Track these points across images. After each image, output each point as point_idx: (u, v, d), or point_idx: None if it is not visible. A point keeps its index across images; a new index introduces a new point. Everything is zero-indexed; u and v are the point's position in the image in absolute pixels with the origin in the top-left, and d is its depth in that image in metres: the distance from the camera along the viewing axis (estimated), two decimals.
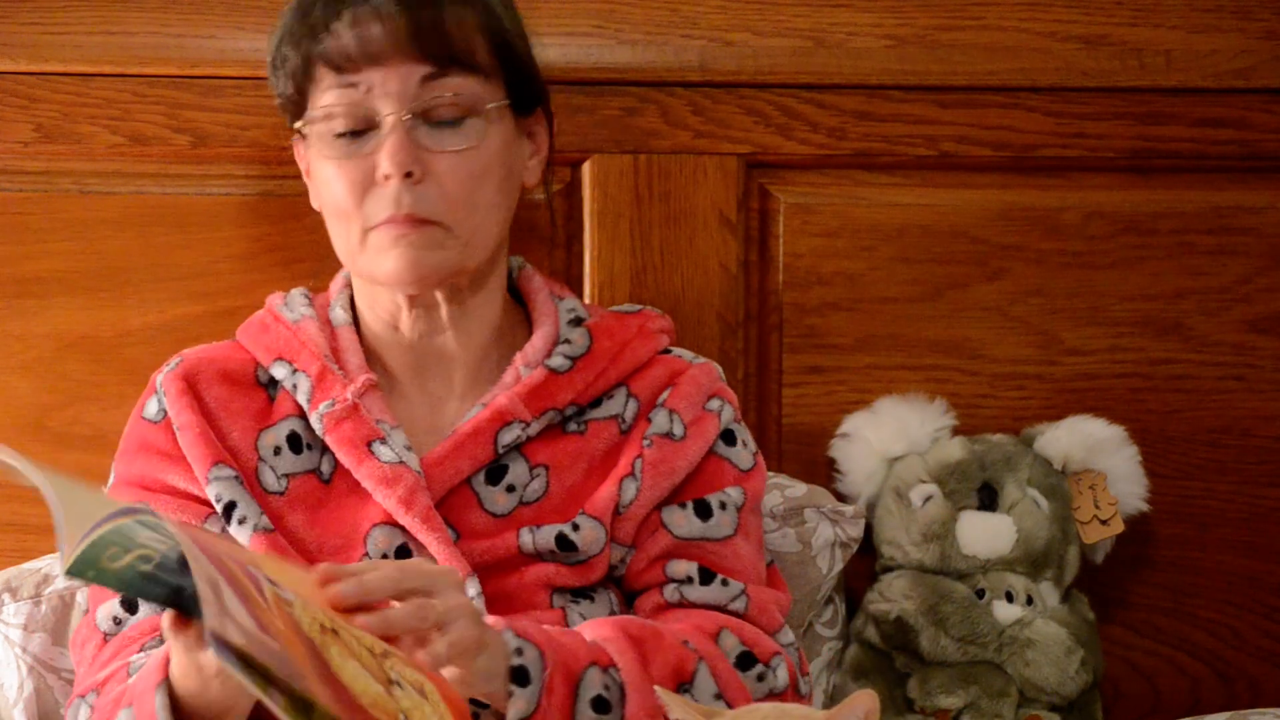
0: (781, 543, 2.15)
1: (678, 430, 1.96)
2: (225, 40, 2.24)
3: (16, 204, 2.25)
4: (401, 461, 1.91)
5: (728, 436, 2.00)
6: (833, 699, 2.18)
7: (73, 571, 1.46)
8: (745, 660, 1.87)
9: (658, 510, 1.95)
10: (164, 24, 2.25)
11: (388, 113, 1.89)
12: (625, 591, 1.97)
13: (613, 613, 1.93)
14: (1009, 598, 2.18)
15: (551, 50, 2.14)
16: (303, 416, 1.96)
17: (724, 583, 1.93)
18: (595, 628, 1.83)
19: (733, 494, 1.97)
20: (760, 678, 1.87)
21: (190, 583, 1.46)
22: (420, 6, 1.89)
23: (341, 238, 1.95)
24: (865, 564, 2.25)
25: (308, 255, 2.09)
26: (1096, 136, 2.30)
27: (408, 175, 1.89)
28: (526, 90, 1.98)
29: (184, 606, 1.48)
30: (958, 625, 2.15)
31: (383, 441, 1.92)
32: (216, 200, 2.26)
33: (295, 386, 1.96)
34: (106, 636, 1.90)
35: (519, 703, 1.72)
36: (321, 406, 1.94)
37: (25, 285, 2.25)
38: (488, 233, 1.94)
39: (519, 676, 1.72)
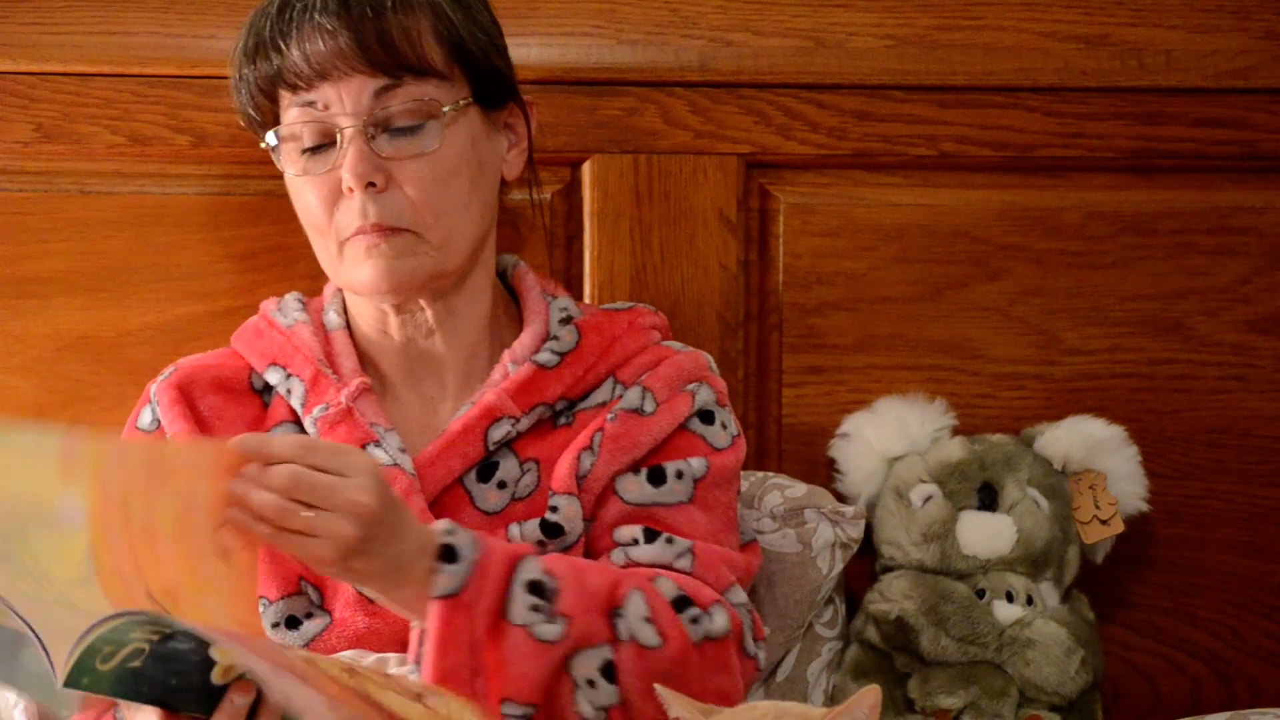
0: (781, 543, 2.15)
1: (648, 407, 1.96)
2: (225, 40, 2.24)
3: (16, 204, 2.25)
4: (396, 464, 1.91)
5: (705, 416, 1.98)
6: (833, 699, 2.18)
7: (69, 683, 1.46)
8: (680, 603, 1.82)
9: (613, 480, 1.94)
10: (164, 24, 2.25)
11: (345, 126, 1.89)
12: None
13: None
14: (1009, 598, 2.18)
15: (551, 50, 2.14)
16: (297, 421, 1.96)
17: (668, 540, 1.90)
18: (526, 548, 1.81)
19: (694, 464, 1.95)
20: (695, 620, 1.81)
21: (180, 678, 1.46)
22: (364, 19, 1.88)
23: (321, 251, 1.96)
24: (865, 564, 2.25)
25: (307, 255, 2.08)
26: (1096, 136, 2.30)
27: (370, 185, 1.89)
28: (493, 85, 1.96)
29: (173, 705, 1.49)
30: (958, 625, 2.15)
31: (377, 444, 1.92)
32: (216, 200, 2.26)
33: (289, 391, 1.96)
34: None
35: (444, 579, 1.69)
36: (316, 410, 1.94)
37: (25, 285, 2.25)
38: (463, 232, 1.94)
39: (447, 554, 1.70)
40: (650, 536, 1.90)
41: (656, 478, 1.94)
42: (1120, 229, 2.31)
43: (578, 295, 2.20)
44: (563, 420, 1.97)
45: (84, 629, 1.46)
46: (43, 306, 2.25)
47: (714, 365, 2.05)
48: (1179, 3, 2.30)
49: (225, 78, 2.21)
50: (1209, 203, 2.32)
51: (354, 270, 1.92)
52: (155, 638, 1.48)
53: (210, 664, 1.51)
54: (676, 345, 2.04)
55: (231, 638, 1.47)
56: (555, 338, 1.99)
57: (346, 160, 1.89)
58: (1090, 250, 2.31)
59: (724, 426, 1.99)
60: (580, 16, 2.27)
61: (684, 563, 1.89)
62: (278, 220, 2.23)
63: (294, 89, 1.90)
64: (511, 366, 1.96)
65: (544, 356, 1.97)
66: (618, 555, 1.90)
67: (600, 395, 1.98)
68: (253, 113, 1.95)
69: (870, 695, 1.54)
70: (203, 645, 1.50)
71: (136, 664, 1.48)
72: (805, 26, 2.28)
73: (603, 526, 1.93)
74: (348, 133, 1.89)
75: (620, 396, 1.98)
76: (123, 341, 2.25)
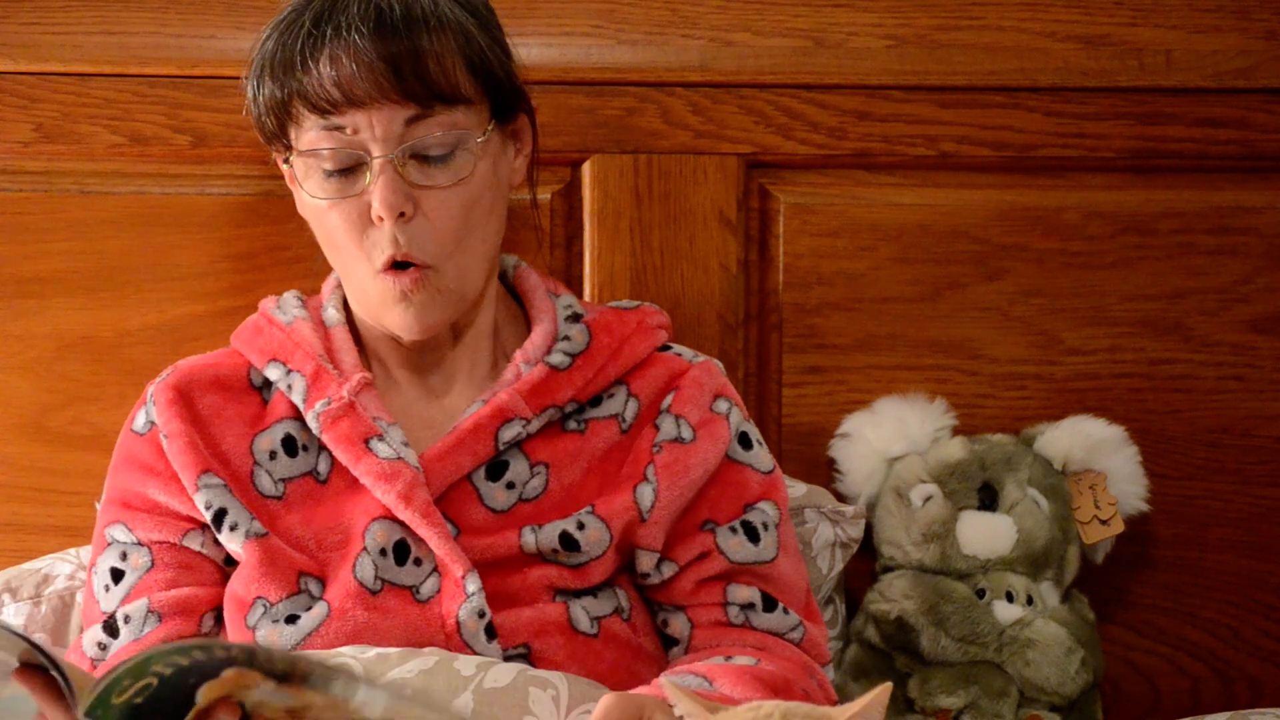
0: None
1: (686, 434, 1.96)
2: (225, 40, 2.24)
3: (16, 204, 2.25)
4: (399, 457, 1.91)
5: (743, 440, 2.00)
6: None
7: (89, 712, 1.46)
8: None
9: (707, 531, 1.95)
10: (164, 24, 2.25)
11: (376, 155, 1.87)
12: (662, 601, 1.97)
13: (618, 609, 1.94)
14: (1009, 598, 2.18)
15: (551, 50, 2.14)
16: (297, 418, 1.96)
17: (785, 611, 1.95)
18: (737, 686, 1.81)
19: (769, 512, 1.98)
20: None
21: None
22: (397, 42, 1.85)
23: (347, 276, 1.95)
24: (865, 564, 2.25)
25: (307, 255, 2.08)
26: (1096, 136, 2.30)
27: (400, 215, 1.88)
28: (508, 99, 1.95)
29: None
30: (958, 625, 2.15)
31: (380, 438, 1.92)
32: (216, 200, 2.26)
33: (290, 387, 1.96)
34: (94, 662, 1.91)
35: None
36: (317, 405, 1.94)
37: (25, 285, 2.25)
38: (479, 256, 1.93)
39: None
40: (769, 604, 1.95)
41: (752, 534, 1.96)
42: (1120, 229, 2.31)
43: (577, 295, 2.20)
44: (572, 424, 1.97)
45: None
46: (43, 306, 2.25)
47: (724, 370, 2.05)
48: (1179, 3, 2.29)
49: (225, 78, 2.23)
50: (1209, 203, 2.32)
51: (383, 312, 1.92)
52: (169, 671, 1.48)
53: (188, 707, 1.51)
54: (686, 353, 2.04)
55: None
56: (566, 338, 1.99)
57: (377, 190, 1.87)
58: (1090, 250, 2.31)
59: (760, 444, 2.01)
60: (580, 16, 2.27)
61: (795, 635, 1.95)
62: (278, 220, 2.23)
63: (322, 112, 1.88)
64: (524, 367, 1.96)
65: (556, 358, 1.97)
66: (735, 614, 1.94)
67: (613, 406, 1.98)
68: (267, 122, 1.92)
69: (885, 695, 1.53)
70: (199, 682, 1.49)
71: (140, 700, 1.48)
72: (805, 26, 2.28)
73: (699, 578, 1.95)
74: (378, 163, 1.87)
75: (631, 408, 1.98)
76: (123, 341, 2.25)
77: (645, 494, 1.93)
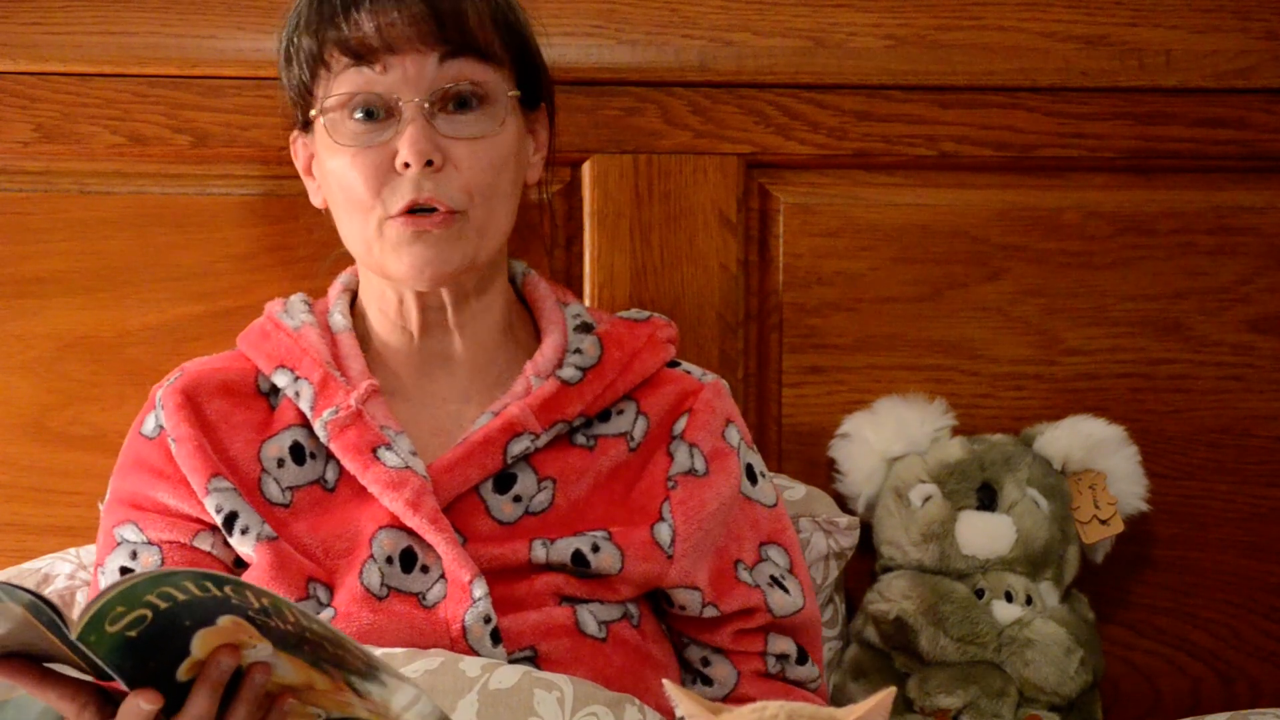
0: None
1: (699, 466, 1.97)
2: (225, 40, 2.24)
3: (16, 204, 2.25)
4: (407, 466, 1.91)
5: (749, 474, 2.01)
6: (833, 699, 2.18)
7: (81, 636, 1.47)
8: None
9: (754, 588, 1.97)
10: (164, 24, 2.25)
11: (408, 99, 1.89)
12: (698, 638, 1.98)
13: (627, 615, 1.94)
14: (1008, 598, 2.18)
15: (551, 50, 2.13)
16: (305, 425, 1.96)
17: (811, 665, 2.00)
18: None
19: (779, 559, 2.00)
20: None
21: (157, 662, 1.47)
22: None
23: (356, 231, 1.94)
24: (865, 564, 2.25)
25: (308, 255, 2.09)
26: (1096, 136, 2.30)
27: (428, 164, 1.89)
28: (534, 86, 1.98)
29: (145, 685, 1.49)
30: (957, 625, 2.15)
31: (388, 447, 1.92)
32: (216, 200, 2.26)
33: (298, 394, 1.96)
34: None
35: None
36: (325, 414, 1.94)
37: (25, 285, 2.25)
38: (499, 223, 1.94)
39: None
40: (802, 658, 1.99)
41: (783, 587, 1.98)
42: (1120, 229, 2.31)
43: (578, 295, 2.20)
44: (580, 439, 1.98)
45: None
46: (43, 306, 2.25)
47: (729, 389, 2.06)
48: (1179, 3, 2.29)
49: (225, 78, 2.23)
50: (1209, 203, 2.32)
51: (393, 255, 1.91)
52: (164, 604, 1.48)
53: (184, 655, 1.51)
54: (695, 371, 2.04)
55: None
56: (578, 350, 1.99)
57: (406, 136, 1.89)
58: (1090, 250, 2.31)
59: (763, 475, 2.03)
60: (580, 16, 2.27)
61: (815, 685, 2.01)
62: (278, 220, 2.23)
63: (358, 58, 1.89)
64: (535, 380, 1.96)
65: (567, 372, 1.97)
66: (774, 664, 1.98)
67: (622, 423, 1.99)
68: (307, 81, 1.93)
69: (889, 699, 1.53)
70: (195, 628, 1.49)
71: (133, 633, 1.48)
72: (805, 26, 2.28)
73: (741, 628, 1.97)
74: (409, 108, 1.89)
75: (640, 426, 1.98)
76: (123, 341, 2.25)
77: (663, 533, 1.94)
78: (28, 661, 1.54)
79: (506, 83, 1.94)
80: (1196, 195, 2.32)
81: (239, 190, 2.26)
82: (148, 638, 1.49)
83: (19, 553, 2.21)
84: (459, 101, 1.91)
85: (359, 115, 1.91)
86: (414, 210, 1.90)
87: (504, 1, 1.95)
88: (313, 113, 1.94)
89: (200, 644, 1.52)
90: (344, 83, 1.91)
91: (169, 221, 2.26)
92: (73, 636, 1.47)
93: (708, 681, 1.98)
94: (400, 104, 1.89)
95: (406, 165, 1.89)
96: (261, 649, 1.52)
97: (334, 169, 1.94)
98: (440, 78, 1.90)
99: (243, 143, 2.23)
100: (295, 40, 1.94)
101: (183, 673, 1.52)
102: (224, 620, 1.50)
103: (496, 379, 2.00)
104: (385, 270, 1.94)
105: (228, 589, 1.47)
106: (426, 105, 1.89)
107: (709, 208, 2.28)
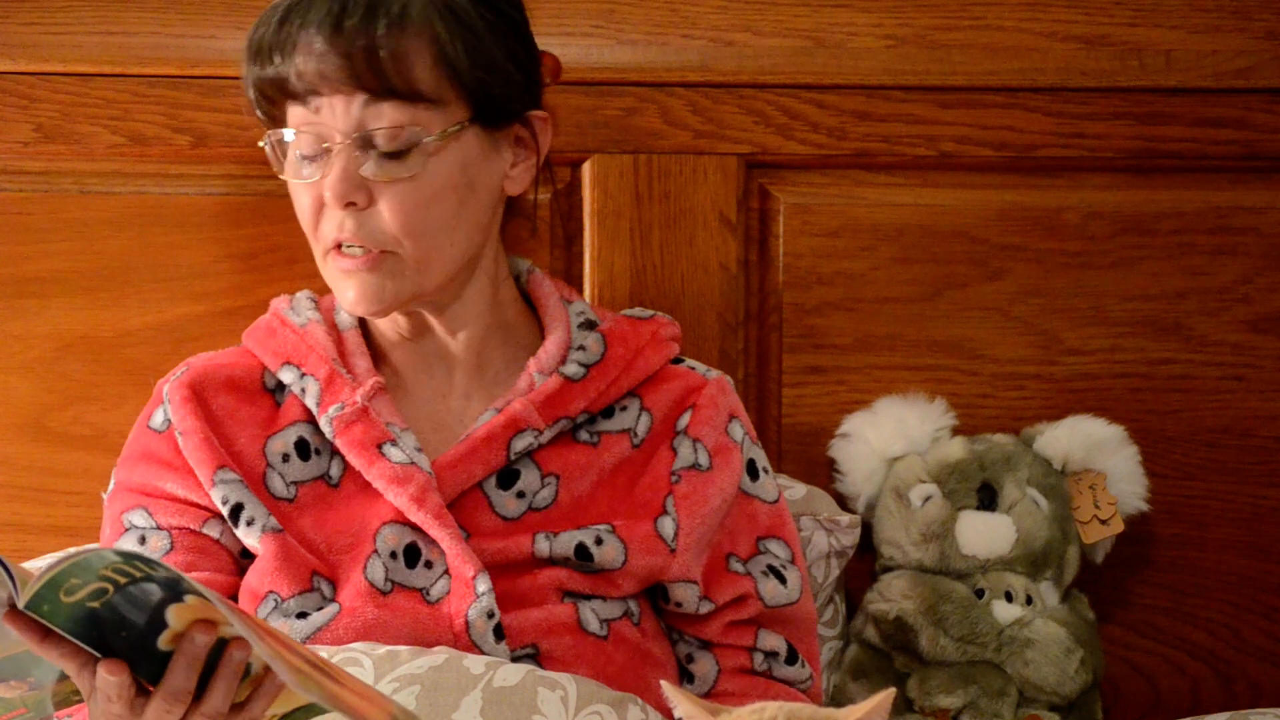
0: None
1: (703, 460, 1.97)
2: (225, 40, 2.24)
3: (16, 204, 2.25)
4: (412, 462, 1.92)
5: (750, 469, 2.01)
6: (833, 699, 2.18)
7: (30, 605, 1.46)
8: None
9: (745, 575, 1.97)
10: (164, 24, 2.25)
11: (335, 141, 1.89)
12: (687, 633, 1.98)
13: (628, 613, 1.94)
14: (1008, 597, 2.18)
15: (551, 50, 2.14)
16: (310, 421, 1.97)
17: (802, 664, 1.99)
18: None
19: (780, 554, 2.00)
20: None
21: (130, 632, 1.46)
22: (355, 41, 1.87)
23: (314, 253, 1.97)
24: (865, 564, 2.25)
25: (308, 255, 2.08)
26: (1096, 136, 2.30)
27: (351, 204, 1.89)
28: (500, 105, 1.94)
29: (117, 657, 1.49)
30: (957, 625, 2.16)
31: (393, 444, 1.93)
32: (216, 200, 2.26)
33: (304, 390, 1.96)
34: None
35: None
36: (331, 410, 1.94)
37: (25, 285, 2.25)
38: (444, 255, 1.93)
39: None
40: (791, 657, 1.98)
41: (780, 577, 1.98)
42: (1120, 229, 2.31)
43: (578, 295, 2.20)
44: (584, 435, 1.98)
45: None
46: (43, 306, 2.25)
47: (733, 384, 2.06)
48: (1179, 3, 2.30)
49: (225, 78, 2.23)
50: (1209, 203, 2.32)
51: (335, 285, 1.94)
52: (124, 580, 1.48)
53: (161, 626, 1.51)
54: (699, 368, 2.04)
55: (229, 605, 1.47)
56: (581, 347, 1.99)
57: (330, 176, 1.89)
58: (1090, 250, 2.31)
59: (765, 472, 2.02)
60: (580, 16, 2.27)
61: (806, 685, 1.99)
62: (278, 220, 2.23)
63: (291, 96, 1.90)
64: (538, 377, 1.97)
65: (571, 369, 1.97)
66: (760, 661, 1.97)
67: (626, 420, 1.99)
68: (260, 110, 1.95)
69: (889, 700, 1.53)
70: (165, 601, 1.49)
71: (95, 604, 1.48)
72: (805, 26, 2.28)
73: (731, 620, 1.96)
74: (336, 148, 1.89)
75: (644, 422, 1.99)
76: (123, 341, 2.25)
77: (666, 527, 1.94)
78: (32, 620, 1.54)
79: (444, 115, 1.90)
80: (1196, 195, 2.32)
81: (239, 190, 2.26)
82: (113, 609, 1.49)
83: (19, 553, 2.21)
84: (383, 147, 1.89)
85: (297, 152, 1.92)
86: (342, 247, 1.92)
87: (440, 33, 1.90)
88: (260, 143, 1.95)
89: (175, 617, 1.52)
90: (292, 116, 1.92)
91: (169, 221, 2.26)
92: (21, 602, 1.47)
93: (689, 678, 1.98)
94: (332, 143, 1.90)
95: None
96: (236, 625, 1.52)
97: (292, 193, 1.96)
98: (365, 119, 1.89)
99: (243, 143, 2.23)
100: (245, 71, 1.95)
101: (164, 642, 1.52)
102: (190, 598, 1.50)
103: (495, 376, 2.00)
104: (335, 297, 1.97)
105: (170, 574, 1.47)
106: (350, 144, 1.89)
107: (709, 208, 2.28)
